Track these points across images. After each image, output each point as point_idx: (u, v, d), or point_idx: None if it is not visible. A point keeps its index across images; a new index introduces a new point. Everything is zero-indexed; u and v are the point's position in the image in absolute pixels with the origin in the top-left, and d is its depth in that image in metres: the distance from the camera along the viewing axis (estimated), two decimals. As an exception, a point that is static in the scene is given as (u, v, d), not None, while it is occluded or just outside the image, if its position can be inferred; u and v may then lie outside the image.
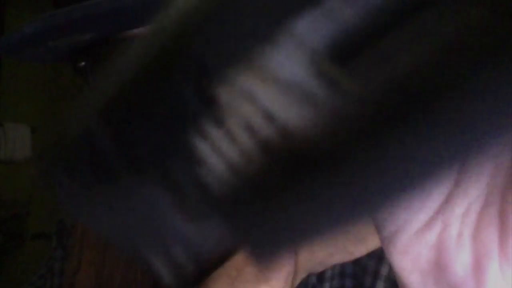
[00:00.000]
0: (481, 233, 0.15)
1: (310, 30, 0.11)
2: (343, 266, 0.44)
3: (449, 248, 0.15)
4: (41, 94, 1.91)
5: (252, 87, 0.12)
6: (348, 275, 0.44)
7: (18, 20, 1.92)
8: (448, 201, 0.16)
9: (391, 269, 0.42)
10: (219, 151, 0.12)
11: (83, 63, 0.38)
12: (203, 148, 0.12)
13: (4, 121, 2.04)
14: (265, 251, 0.13)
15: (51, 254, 0.58)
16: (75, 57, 0.39)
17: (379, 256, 0.43)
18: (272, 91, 0.11)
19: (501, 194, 0.15)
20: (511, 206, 0.14)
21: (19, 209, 2.07)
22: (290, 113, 0.11)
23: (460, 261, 0.15)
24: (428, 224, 0.16)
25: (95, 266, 0.48)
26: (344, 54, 0.11)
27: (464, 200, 0.15)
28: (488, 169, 0.15)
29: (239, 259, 0.42)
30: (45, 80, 1.95)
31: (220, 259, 0.39)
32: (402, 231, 0.16)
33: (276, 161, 0.12)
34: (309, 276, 0.44)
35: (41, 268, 0.59)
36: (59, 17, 0.33)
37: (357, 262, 0.43)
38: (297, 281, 0.41)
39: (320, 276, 0.44)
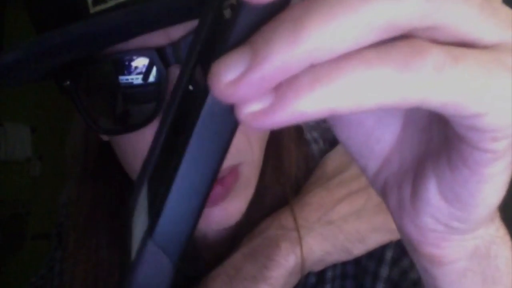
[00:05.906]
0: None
1: None
2: (344, 267, 0.44)
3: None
4: (41, 94, 1.91)
5: None
6: (349, 276, 0.44)
7: (18, 20, 1.92)
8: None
9: (391, 270, 0.42)
10: None
11: (68, 82, 0.37)
12: None
13: (4, 121, 2.04)
14: None
15: (51, 255, 0.58)
16: (59, 76, 0.38)
17: (379, 257, 0.42)
18: None
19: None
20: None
21: (19, 209, 2.07)
22: None
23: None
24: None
25: (91, 266, 0.48)
26: None
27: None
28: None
29: (237, 257, 0.42)
30: (45, 80, 1.94)
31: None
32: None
33: None
34: (308, 276, 0.43)
35: (42, 268, 0.59)
36: (39, 44, 0.31)
37: (357, 263, 0.43)
38: (296, 280, 0.41)
39: (321, 277, 0.44)
